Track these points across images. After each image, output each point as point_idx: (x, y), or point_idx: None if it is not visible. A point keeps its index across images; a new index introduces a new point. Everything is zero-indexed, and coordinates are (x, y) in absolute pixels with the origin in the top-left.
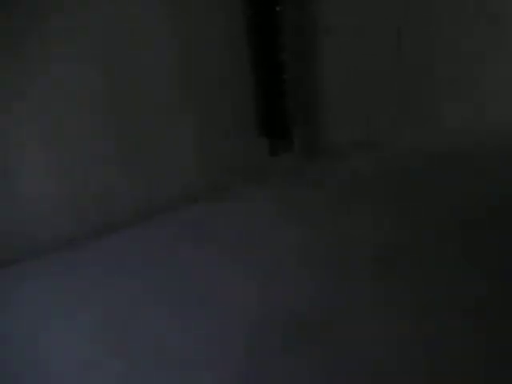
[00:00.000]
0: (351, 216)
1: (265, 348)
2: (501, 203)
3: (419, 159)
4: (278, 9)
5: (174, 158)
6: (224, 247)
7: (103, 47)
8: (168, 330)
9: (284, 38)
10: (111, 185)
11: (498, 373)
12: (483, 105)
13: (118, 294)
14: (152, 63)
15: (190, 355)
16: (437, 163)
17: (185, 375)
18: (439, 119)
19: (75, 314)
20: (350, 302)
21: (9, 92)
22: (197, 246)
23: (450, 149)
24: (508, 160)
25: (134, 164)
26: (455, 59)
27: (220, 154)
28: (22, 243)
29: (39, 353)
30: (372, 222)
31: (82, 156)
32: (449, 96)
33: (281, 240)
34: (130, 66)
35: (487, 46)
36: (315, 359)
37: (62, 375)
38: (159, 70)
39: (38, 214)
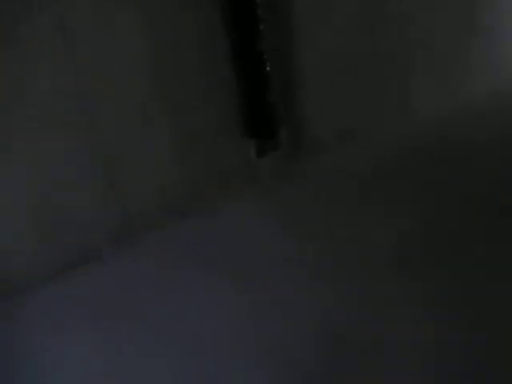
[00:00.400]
0: (353, 217)
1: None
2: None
3: (404, 150)
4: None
5: (154, 170)
6: (223, 267)
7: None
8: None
9: (263, 27)
10: (86, 207)
11: None
12: (456, 90)
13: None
14: (126, 65)
15: None
16: (423, 154)
17: None
18: (414, 106)
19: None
20: (383, 310)
21: None
22: (193, 268)
23: (428, 138)
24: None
25: (109, 182)
26: (430, 45)
27: (204, 160)
28: None
29: None
30: (377, 222)
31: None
32: (423, 82)
33: (284, 252)
34: (102, 69)
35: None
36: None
37: None
38: (133, 71)
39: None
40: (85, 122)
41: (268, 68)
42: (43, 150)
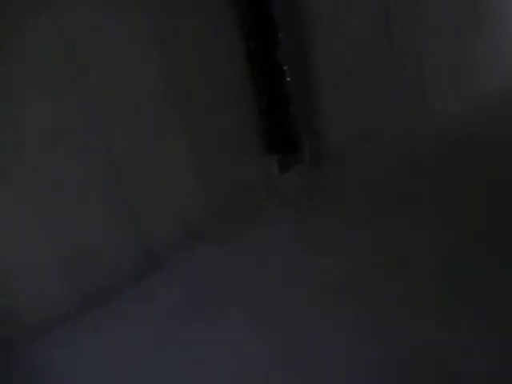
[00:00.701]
0: (385, 231)
1: None
2: None
3: (419, 153)
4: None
5: (174, 194)
6: (249, 299)
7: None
8: None
9: (281, 36)
10: (101, 240)
11: None
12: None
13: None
14: (143, 85)
15: None
16: (441, 154)
17: None
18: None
19: None
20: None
21: None
22: (218, 303)
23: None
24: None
25: (129, 214)
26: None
27: (226, 181)
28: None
29: None
30: (415, 234)
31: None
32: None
33: (323, 276)
34: (113, 84)
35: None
36: None
37: None
38: (151, 91)
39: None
40: (97, 149)
41: (288, 79)
42: (56, 184)
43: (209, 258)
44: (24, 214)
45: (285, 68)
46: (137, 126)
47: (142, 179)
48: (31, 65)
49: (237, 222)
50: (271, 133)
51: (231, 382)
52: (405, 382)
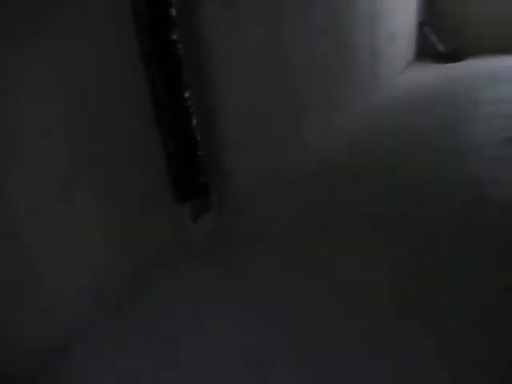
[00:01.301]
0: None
1: None
2: None
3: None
4: (174, 37)
5: (80, 255)
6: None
7: None
8: None
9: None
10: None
11: None
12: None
13: None
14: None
15: None
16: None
17: None
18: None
19: None
20: None
21: None
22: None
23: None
24: None
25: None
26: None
27: (136, 237)
28: None
29: None
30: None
31: None
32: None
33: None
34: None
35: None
36: None
37: None
38: (46, 135)
39: None
40: None
41: (195, 122)
42: None
43: (123, 329)
44: None
45: (192, 110)
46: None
47: (40, 239)
48: None
49: (151, 281)
50: (180, 180)
51: None
52: None
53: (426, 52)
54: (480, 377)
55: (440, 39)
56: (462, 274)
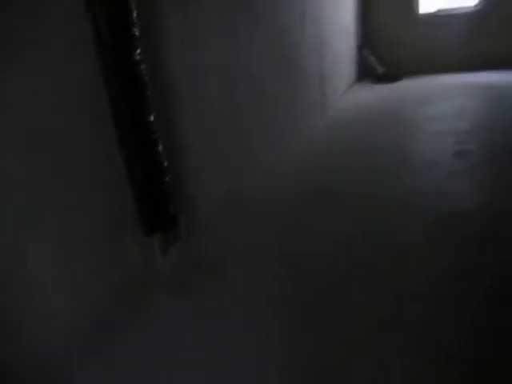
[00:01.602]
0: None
1: None
2: None
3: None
4: (137, 58)
5: (40, 301)
6: None
7: None
8: None
9: (149, 94)
10: None
11: None
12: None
13: None
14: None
15: None
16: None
17: None
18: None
19: None
20: None
21: None
22: None
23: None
24: None
25: None
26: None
27: (103, 277)
28: None
29: None
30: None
31: None
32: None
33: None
34: None
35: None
36: None
37: None
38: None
39: None
40: None
41: (160, 149)
42: None
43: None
44: None
45: (157, 134)
46: None
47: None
48: None
49: (122, 321)
50: (148, 210)
51: None
52: None
53: (366, 73)
54: None
55: (378, 61)
56: None
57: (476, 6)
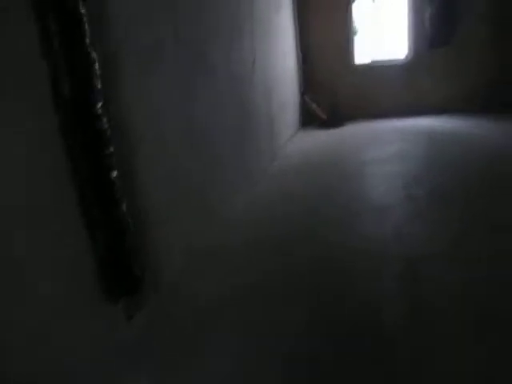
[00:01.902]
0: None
1: None
2: None
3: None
4: (99, 112)
5: None
6: None
7: None
8: None
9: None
10: None
11: None
12: None
13: None
14: None
15: None
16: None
17: None
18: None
19: None
20: None
21: None
22: None
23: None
24: None
25: None
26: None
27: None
28: None
29: None
30: None
31: None
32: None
33: None
34: None
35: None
36: None
37: None
38: None
39: None
40: None
41: (124, 208)
42: None
43: None
44: None
45: (120, 193)
46: None
47: None
48: None
49: None
50: (112, 275)
51: None
52: None
53: (309, 120)
54: None
55: (320, 107)
56: None
57: (406, 57)
